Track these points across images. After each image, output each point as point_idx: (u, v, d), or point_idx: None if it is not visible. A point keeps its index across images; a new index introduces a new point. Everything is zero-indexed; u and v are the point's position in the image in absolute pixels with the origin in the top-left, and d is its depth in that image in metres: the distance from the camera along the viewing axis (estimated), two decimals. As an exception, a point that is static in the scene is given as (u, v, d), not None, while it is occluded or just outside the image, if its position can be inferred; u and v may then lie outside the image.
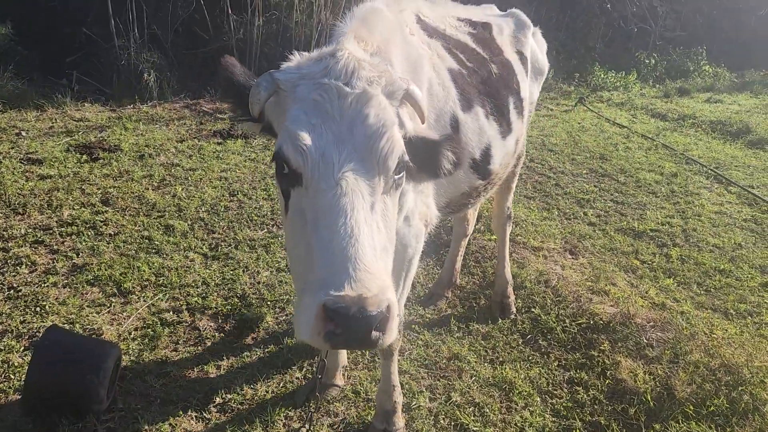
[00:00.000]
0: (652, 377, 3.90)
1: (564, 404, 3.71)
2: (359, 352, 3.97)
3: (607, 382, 3.88)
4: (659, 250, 5.93)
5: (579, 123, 10.79)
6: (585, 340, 4.30)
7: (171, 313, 4.28)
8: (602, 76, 14.50)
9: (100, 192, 6.17)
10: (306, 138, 1.83)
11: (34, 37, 11.13)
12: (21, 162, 6.82)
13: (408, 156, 1.99)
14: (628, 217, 6.67)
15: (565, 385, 3.90)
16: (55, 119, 8.67)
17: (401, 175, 2.00)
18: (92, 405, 3.14)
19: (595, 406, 3.70)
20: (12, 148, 7.30)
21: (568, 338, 4.33)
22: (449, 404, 3.61)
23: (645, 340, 4.23)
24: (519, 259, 5.41)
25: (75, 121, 8.72)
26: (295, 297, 1.92)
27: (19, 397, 3.27)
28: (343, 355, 3.77)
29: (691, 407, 3.61)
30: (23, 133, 7.93)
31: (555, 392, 3.81)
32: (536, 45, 4.34)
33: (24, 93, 9.50)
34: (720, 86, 14.99)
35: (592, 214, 6.71)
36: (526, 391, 3.77)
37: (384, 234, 1.86)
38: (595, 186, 7.60)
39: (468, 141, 3.10)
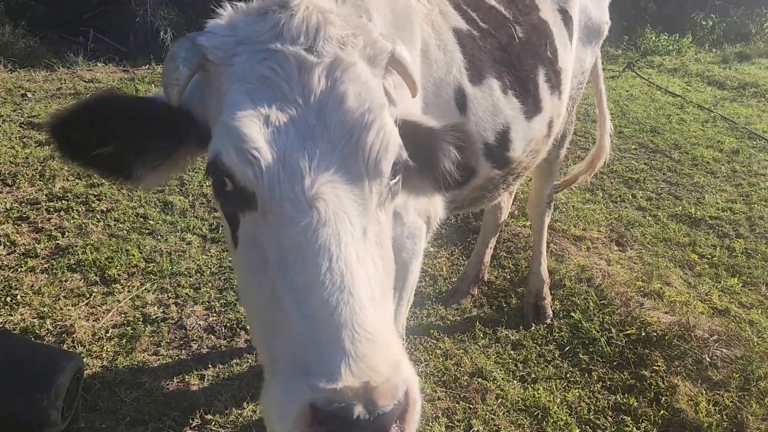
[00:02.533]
0: (717, 408, 3.25)
1: (608, 438, 3.10)
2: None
3: (661, 412, 3.24)
4: (720, 242, 5.17)
5: (627, 91, 9.85)
6: (635, 355, 3.65)
7: (156, 307, 3.77)
8: (654, 39, 13.36)
9: (99, 161, 5.67)
10: (256, 137, 1.22)
11: (48, -9, 10.64)
12: (21, 126, 6.36)
13: (406, 152, 1.38)
14: (683, 201, 5.89)
15: (609, 412, 3.27)
16: (64, 80, 8.20)
17: (397, 179, 1.39)
18: (43, 429, 2.65)
19: (647, 443, 3.08)
20: (14, 110, 6.85)
21: (615, 352, 3.68)
22: (469, 435, 3.04)
23: (708, 359, 3.56)
24: (557, 251, 4.73)
25: (85, 82, 8.23)
26: (264, 374, 1.32)
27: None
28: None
29: (767, 450, 2.97)
30: (29, 95, 7.49)
31: (597, 422, 3.20)
32: None
33: (35, 51, 9.07)
34: (785, 51, 13.69)
35: (642, 197, 5.94)
36: (562, 420, 3.16)
37: (381, 269, 1.28)
38: (645, 164, 6.79)
39: (478, 121, 2.44)
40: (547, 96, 2.89)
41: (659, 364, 3.55)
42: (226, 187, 1.29)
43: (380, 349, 1.11)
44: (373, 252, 1.26)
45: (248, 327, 3.66)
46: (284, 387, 1.13)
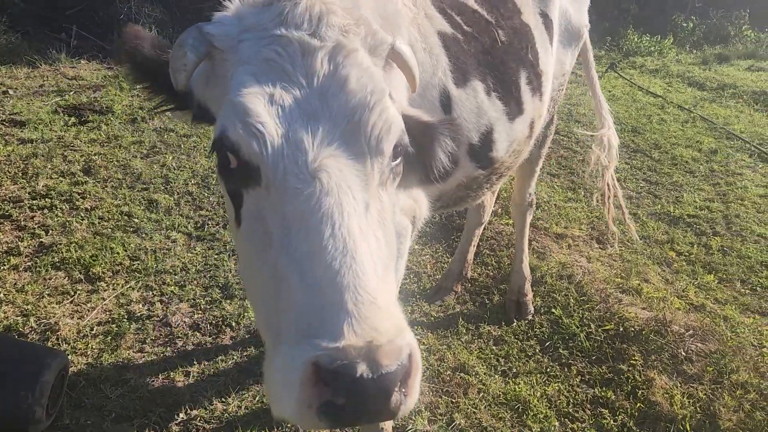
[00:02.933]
0: (691, 400, 3.34)
1: (587, 430, 3.17)
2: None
3: (637, 404, 3.32)
4: (697, 240, 5.28)
5: (609, 91, 9.98)
6: (613, 350, 3.73)
7: (141, 304, 3.78)
8: (636, 40, 13.55)
9: (83, 159, 5.65)
10: (261, 112, 1.27)
11: (31, -13, 10.51)
12: (2, 124, 6.31)
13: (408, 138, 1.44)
14: (662, 200, 6.01)
15: (588, 405, 3.35)
16: (47, 77, 8.13)
17: (398, 161, 1.43)
18: (28, 426, 2.66)
19: (624, 435, 3.15)
20: (-5, 108, 6.79)
21: (593, 347, 3.76)
22: (451, 429, 3.09)
23: (683, 353, 3.65)
24: (539, 249, 4.81)
25: (68, 79, 8.16)
26: (265, 349, 1.35)
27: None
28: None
29: (739, 441, 3.06)
30: (10, 92, 7.42)
31: (576, 415, 3.27)
32: (568, 1, 3.64)
33: (17, 47, 8.96)
34: (763, 53, 13.90)
35: (622, 196, 6.02)
36: (542, 413, 3.23)
37: (384, 246, 1.31)
38: (626, 163, 6.90)
39: (463, 122, 2.50)
40: (529, 98, 2.95)
41: (636, 358, 3.63)
42: (230, 165, 1.33)
43: (383, 312, 1.13)
44: (375, 228, 1.30)
45: (233, 324, 3.69)
46: (286, 352, 1.14)
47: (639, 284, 4.39)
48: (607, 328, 3.89)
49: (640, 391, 3.41)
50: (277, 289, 1.24)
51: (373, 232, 1.28)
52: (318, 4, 1.42)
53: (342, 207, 1.22)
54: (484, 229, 4.74)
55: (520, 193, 4.05)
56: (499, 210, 5.38)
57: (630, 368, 3.57)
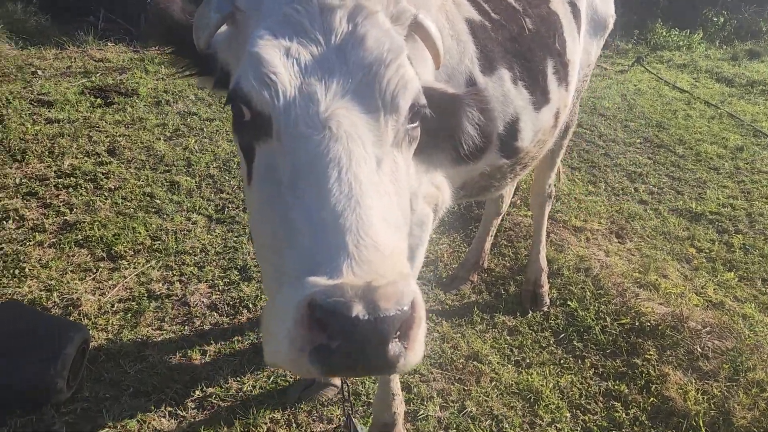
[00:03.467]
0: (705, 397, 3.32)
1: (598, 423, 3.17)
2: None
3: (651, 399, 3.31)
4: (719, 237, 5.21)
5: (635, 85, 9.84)
6: (628, 344, 3.71)
7: (161, 284, 3.85)
8: (664, 34, 13.29)
9: (107, 140, 5.74)
10: (276, 63, 1.27)
11: (60, -30, 10.65)
12: (31, 103, 6.42)
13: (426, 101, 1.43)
14: (684, 196, 5.93)
15: (600, 398, 3.35)
16: (74, 59, 8.24)
17: (416, 124, 1.42)
18: (50, 397, 2.74)
19: (635, 428, 3.15)
20: (24, 88, 6.90)
21: (608, 341, 3.75)
22: (463, 415, 3.11)
23: (699, 349, 3.62)
24: (557, 241, 4.79)
25: (95, 61, 8.27)
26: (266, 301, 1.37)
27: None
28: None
29: (752, 439, 3.03)
30: (39, 72, 7.55)
31: (588, 407, 3.27)
32: None
33: (46, 29, 9.11)
34: (795, 50, 13.59)
35: (644, 191, 5.98)
36: (554, 404, 3.24)
37: (396, 205, 1.29)
38: (649, 158, 6.82)
39: None
40: (555, 87, 2.93)
41: (651, 353, 3.62)
42: (244, 117, 1.34)
43: (386, 258, 1.09)
44: (386, 184, 1.27)
45: (250, 306, 3.75)
46: (284, 293, 1.12)
47: (657, 279, 4.36)
48: (622, 321, 3.87)
49: (653, 386, 3.39)
50: (285, 236, 1.22)
51: (384, 187, 1.26)
52: None
53: (351, 153, 1.21)
54: (502, 219, 4.74)
55: (539, 184, 4.03)
56: (518, 201, 5.36)
57: (644, 363, 3.56)
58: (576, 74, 3.29)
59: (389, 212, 1.23)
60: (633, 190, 5.96)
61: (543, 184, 4.01)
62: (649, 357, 3.59)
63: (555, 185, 4.16)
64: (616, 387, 3.40)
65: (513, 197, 5.12)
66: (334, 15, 1.33)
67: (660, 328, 3.79)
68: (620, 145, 7.14)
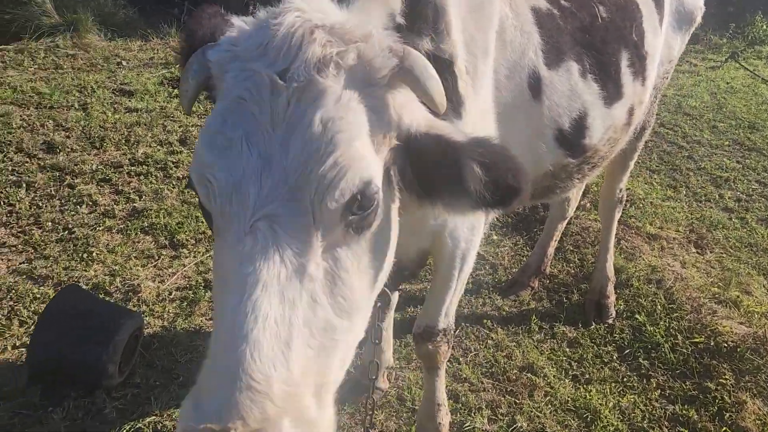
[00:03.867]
0: (787, 431, 3.01)
1: (661, 449, 2.94)
2: (410, 346, 3.37)
3: (723, 429, 3.03)
4: (814, 252, 4.75)
5: (727, 83, 9.17)
6: (700, 366, 3.43)
7: (218, 274, 3.90)
8: (764, 27, 12.33)
9: (180, 130, 5.91)
10: (215, 164, 1.24)
11: (148, -36, 11.10)
12: (113, 93, 6.73)
13: (396, 176, 1.40)
14: (776, 205, 5.44)
15: (666, 423, 3.10)
16: (157, 50, 8.58)
17: (368, 212, 1.30)
18: (102, 380, 2.82)
19: (703, 459, 2.90)
20: (109, 77, 7.24)
21: (678, 360, 3.47)
22: (512, 431, 2.96)
23: (783, 377, 3.29)
24: (628, 249, 4.50)
25: (176, 53, 8.57)
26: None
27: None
28: (389, 353, 3.21)
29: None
30: (123, 63, 7.90)
31: (651, 431, 3.04)
32: None
33: (133, 22, 9.52)
34: None
35: (730, 198, 5.54)
36: (613, 425, 3.03)
37: (328, 308, 1.26)
38: (738, 162, 6.31)
39: (552, 106, 2.34)
40: (630, 81, 2.72)
41: (727, 377, 3.32)
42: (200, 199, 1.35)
43: (260, 399, 1.08)
44: (313, 290, 1.23)
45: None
46: (190, 398, 1.15)
47: (739, 296, 4.01)
48: (696, 340, 3.58)
49: (728, 414, 3.11)
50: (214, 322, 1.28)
51: (308, 296, 1.22)
52: (301, 31, 1.30)
53: (259, 274, 1.16)
54: (569, 223, 4.50)
55: (609, 187, 3.79)
56: (588, 204, 5.09)
57: (719, 387, 3.27)
58: (654, 69, 3.05)
59: (304, 325, 1.20)
60: (717, 197, 5.54)
61: (614, 187, 3.77)
62: (724, 381, 3.30)
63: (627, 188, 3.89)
64: (684, 412, 3.14)
65: (582, 200, 4.87)
66: (281, 98, 1.25)
67: (739, 350, 3.47)
68: (706, 147, 6.65)
